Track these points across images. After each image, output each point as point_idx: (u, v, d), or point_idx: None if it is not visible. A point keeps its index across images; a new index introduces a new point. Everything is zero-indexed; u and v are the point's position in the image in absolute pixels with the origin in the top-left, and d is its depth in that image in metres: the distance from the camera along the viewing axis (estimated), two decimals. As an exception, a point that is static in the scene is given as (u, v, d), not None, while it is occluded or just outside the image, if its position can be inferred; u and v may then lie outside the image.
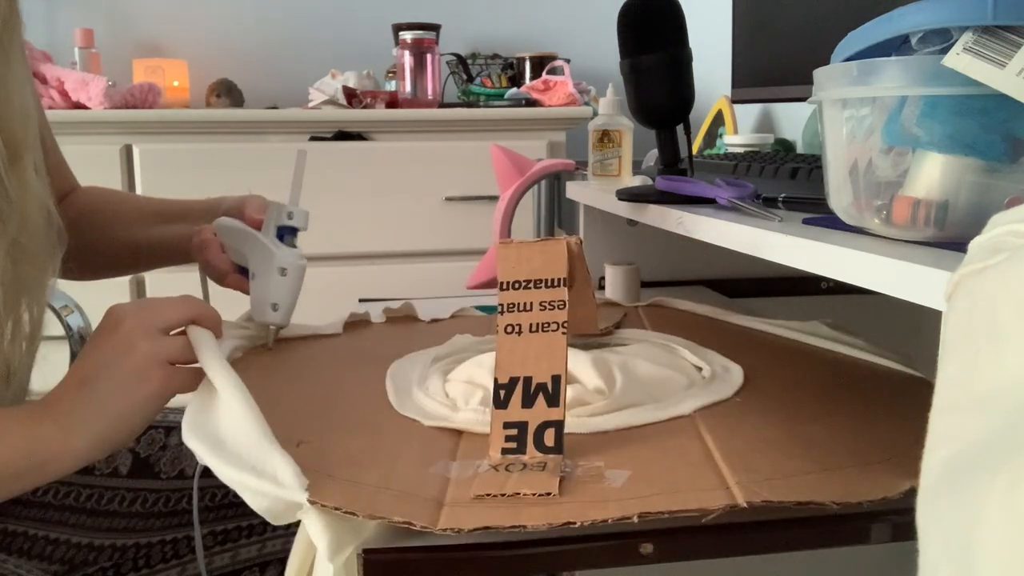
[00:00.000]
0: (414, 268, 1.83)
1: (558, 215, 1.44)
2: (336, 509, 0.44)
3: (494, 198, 1.64)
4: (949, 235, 0.47)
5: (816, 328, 0.79)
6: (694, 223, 0.71)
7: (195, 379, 0.60)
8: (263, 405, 0.57)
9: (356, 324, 0.89)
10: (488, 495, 0.45)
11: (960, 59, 0.44)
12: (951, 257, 0.44)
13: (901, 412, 0.59)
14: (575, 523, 0.42)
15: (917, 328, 0.91)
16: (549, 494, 0.45)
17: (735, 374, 0.66)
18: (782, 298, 1.19)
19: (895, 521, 0.46)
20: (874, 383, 0.66)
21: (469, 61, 2.12)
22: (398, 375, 0.68)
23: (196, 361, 0.60)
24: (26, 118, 0.64)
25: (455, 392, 0.62)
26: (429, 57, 1.95)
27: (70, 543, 0.71)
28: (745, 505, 0.43)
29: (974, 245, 0.33)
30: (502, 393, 0.52)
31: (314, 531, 0.44)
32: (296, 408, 0.62)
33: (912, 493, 0.45)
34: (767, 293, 1.20)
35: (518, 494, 0.45)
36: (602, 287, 1.10)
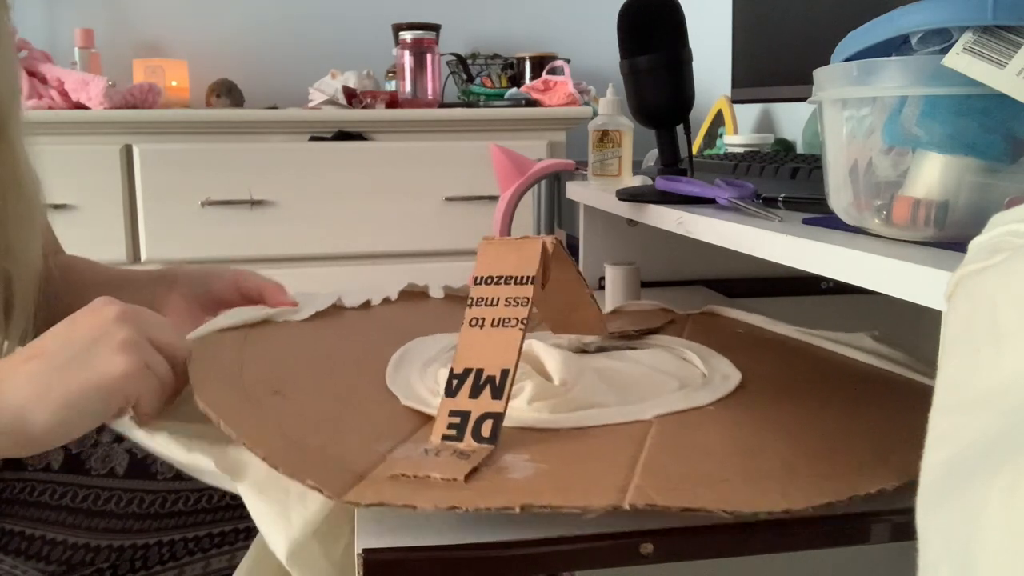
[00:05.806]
0: (414, 268, 1.83)
1: (558, 215, 1.44)
2: (259, 454, 0.46)
3: (494, 198, 1.63)
4: (949, 235, 0.47)
5: (860, 340, 0.75)
6: (694, 223, 0.71)
7: (162, 394, 0.55)
8: (269, 353, 0.65)
9: (412, 295, 0.92)
10: (403, 475, 0.46)
11: (960, 59, 0.44)
12: (951, 257, 0.44)
13: (884, 425, 0.57)
14: (460, 508, 0.43)
15: (917, 328, 0.91)
16: (455, 480, 0.46)
17: (731, 382, 0.65)
18: (782, 298, 1.19)
19: (895, 521, 0.46)
20: (881, 396, 0.64)
21: (469, 61, 2.12)
22: (411, 351, 0.69)
23: (171, 385, 0.56)
24: (10, 87, 0.65)
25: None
26: (429, 57, 1.95)
27: (67, 543, 0.71)
28: (628, 508, 0.43)
29: (974, 245, 0.33)
30: (454, 383, 0.53)
31: (251, 503, 0.47)
32: (295, 365, 0.64)
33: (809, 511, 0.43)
34: (767, 293, 1.19)
35: (428, 477, 0.46)
36: (602, 287, 1.10)
